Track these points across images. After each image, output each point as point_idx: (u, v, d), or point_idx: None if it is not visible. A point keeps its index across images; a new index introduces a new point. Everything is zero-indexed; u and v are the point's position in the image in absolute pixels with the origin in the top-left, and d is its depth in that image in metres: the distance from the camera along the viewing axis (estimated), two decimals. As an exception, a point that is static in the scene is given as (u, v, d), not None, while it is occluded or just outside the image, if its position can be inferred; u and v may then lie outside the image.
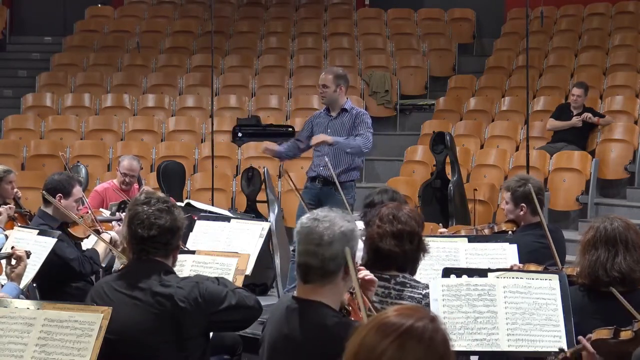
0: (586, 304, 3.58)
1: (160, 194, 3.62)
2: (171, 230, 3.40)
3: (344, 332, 2.86)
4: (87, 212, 5.32)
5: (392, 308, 1.94)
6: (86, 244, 5.28)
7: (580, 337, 3.26)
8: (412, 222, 3.61)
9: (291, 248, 7.04)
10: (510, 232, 4.98)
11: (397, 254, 3.57)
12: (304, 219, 3.01)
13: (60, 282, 4.99)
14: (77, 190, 5.13)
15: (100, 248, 5.11)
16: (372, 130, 6.93)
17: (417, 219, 3.66)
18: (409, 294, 3.56)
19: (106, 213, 6.13)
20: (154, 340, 3.30)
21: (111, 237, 5.06)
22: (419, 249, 3.63)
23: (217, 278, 3.51)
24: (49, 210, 5.10)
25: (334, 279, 2.95)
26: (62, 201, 5.06)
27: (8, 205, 5.93)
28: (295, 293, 3.06)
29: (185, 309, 3.29)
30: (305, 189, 7.05)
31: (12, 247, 4.10)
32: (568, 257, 5.00)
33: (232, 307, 3.39)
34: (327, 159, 6.81)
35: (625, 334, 3.18)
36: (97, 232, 5.13)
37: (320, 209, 3.07)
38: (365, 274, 3.28)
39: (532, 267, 4.11)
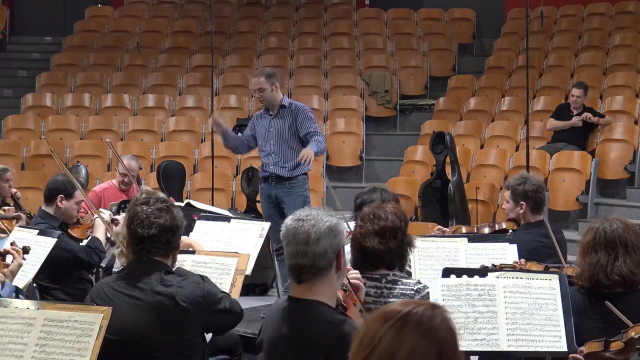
0: (586, 306, 3.58)
1: (161, 194, 3.62)
2: (171, 230, 3.41)
3: (341, 329, 2.89)
4: (87, 213, 5.32)
5: (397, 301, 1.95)
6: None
7: (571, 355, 3.28)
8: (394, 217, 3.61)
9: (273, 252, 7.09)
10: (510, 231, 4.98)
11: (382, 251, 3.58)
12: (288, 220, 3.03)
13: (62, 280, 4.98)
14: (79, 193, 5.14)
15: (101, 236, 5.13)
16: (316, 122, 7.01)
17: (399, 215, 3.65)
18: (400, 291, 3.57)
19: (106, 213, 6.13)
20: (155, 340, 3.30)
21: (107, 222, 5.09)
22: (404, 244, 3.63)
23: (201, 276, 3.51)
24: (50, 210, 5.10)
25: (327, 275, 2.97)
26: (63, 202, 5.06)
27: (6, 207, 5.92)
28: (291, 293, 3.07)
29: (186, 309, 3.30)
30: (262, 190, 7.08)
31: (11, 243, 4.09)
32: (569, 258, 5.00)
33: (225, 311, 3.43)
34: (274, 157, 6.88)
35: (616, 345, 3.20)
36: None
37: (302, 209, 3.08)
38: (353, 276, 3.28)
39: (534, 266, 4.10)
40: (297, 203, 6.57)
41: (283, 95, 7.04)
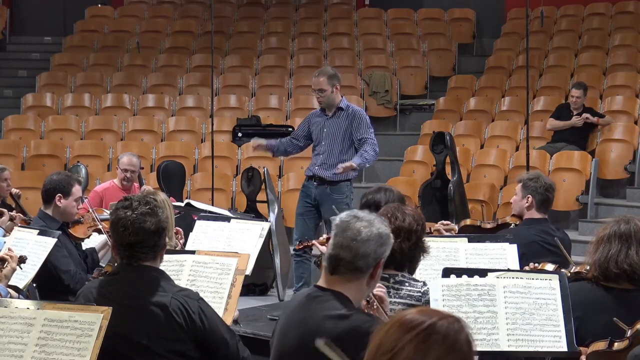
0: (594, 298, 3.58)
1: (161, 194, 3.59)
2: (157, 232, 3.34)
3: (361, 324, 2.89)
4: (88, 212, 5.30)
5: (414, 309, 1.97)
6: (87, 244, 5.27)
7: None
8: (411, 219, 3.63)
9: (292, 249, 7.06)
10: (512, 225, 5.02)
11: (393, 250, 3.58)
12: (344, 215, 3.06)
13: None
14: (77, 190, 5.09)
15: (101, 245, 5.11)
16: (372, 129, 6.93)
17: (417, 219, 3.67)
18: (407, 292, 3.58)
19: (107, 212, 6.12)
20: (148, 350, 3.25)
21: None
22: (417, 248, 3.65)
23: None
24: (49, 211, 5.07)
25: (360, 278, 2.99)
26: (61, 201, 5.03)
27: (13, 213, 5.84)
28: (319, 282, 3.08)
29: (179, 322, 3.24)
30: (303, 188, 7.06)
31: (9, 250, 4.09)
32: (571, 258, 5.01)
33: (223, 341, 3.34)
34: (322, 158, 6.83)
35: (620, 345, 3.20)
36: (99, 231, 5.11)
37: (361, 210, 3.11)
38: (379, 289, 3.28)
39: (546, 266, 4.10)
40: (335, 208, 6.54)
41: (342, 96, 6.96)
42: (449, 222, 5.25)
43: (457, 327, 1.88)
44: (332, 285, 3.00)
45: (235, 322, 3.97)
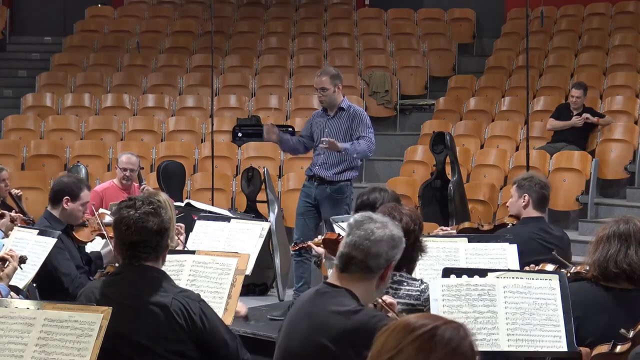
0: (594, 298, 3.59)
1: (163, 194, 3.58)
2: (160, 232, 3.33)
3: (369, 320, 2.91)
4: (93, 215, 5.29)
5: (420, 314, 2.00)
6: (90, 247, 5.26)
7: None
8: (408, 219, 3.64)
9: (291, 251, 7.06)
10: (510, 225, 5.03)
11: None
12: (358, 215, 3.10)
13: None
14: (85, 194, 5.08)
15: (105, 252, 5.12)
16: (372, 130, 6.93)
17: (414, 218, 3.68)
18: (406, 292, 3.59)
19: (109, 216, 6.10)
20: (146, 351, 3.24)
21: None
22: (415, 248, 3.65)
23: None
24: (56, 212, 5.06)
25: (371, 279, 3.02)
26: (69, 204, 5.01)
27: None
28: (328, 279, 3.11)
29: (179, 323, 3.23)
30: (304, 187, 7.06)
31: (10, 250, 4.09)
32: (573, 259, 5.01)
33: (223, 342, 3.32)
34: (322, 158, 6.83)
35: (623, 347, 3.21)
36: (103, 236, 5.11)
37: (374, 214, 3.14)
38: (387, 297, 3.30)
39: (546, 266, 4.10)
40: (334, 208, 6.53)
41: (344, 97, 6.96)
42: (447, 229, 5.26)
43: (462, 333, 1.88)
44: (342, 282, 3.03)
45: (245, 318, 3.98)
